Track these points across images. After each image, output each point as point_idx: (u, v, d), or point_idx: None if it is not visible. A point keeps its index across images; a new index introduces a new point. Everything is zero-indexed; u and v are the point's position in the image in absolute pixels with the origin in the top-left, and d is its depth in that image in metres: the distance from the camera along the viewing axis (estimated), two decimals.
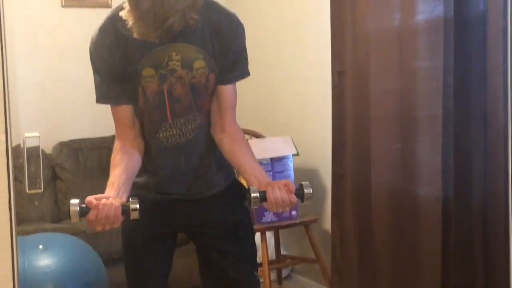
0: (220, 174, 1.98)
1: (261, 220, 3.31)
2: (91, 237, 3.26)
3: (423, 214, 2.74)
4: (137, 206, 1.67)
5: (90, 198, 1.63)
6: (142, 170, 1.88)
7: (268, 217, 3.36)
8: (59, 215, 3.77)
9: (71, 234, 3.14)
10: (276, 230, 3.64)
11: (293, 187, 1.75)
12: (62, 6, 4.07)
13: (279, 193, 1.72)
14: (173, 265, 2.06)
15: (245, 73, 1.90)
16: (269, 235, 3.66)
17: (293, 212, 3.46)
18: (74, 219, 1.64)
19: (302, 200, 1.77)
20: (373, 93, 2.98)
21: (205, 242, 2.01)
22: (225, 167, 1.98)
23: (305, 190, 1.77)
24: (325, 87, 3.34)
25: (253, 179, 1.78)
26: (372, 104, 2.99)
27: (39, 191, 1.28)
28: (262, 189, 1.73)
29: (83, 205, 1.64)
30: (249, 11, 4.00)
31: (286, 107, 3.93)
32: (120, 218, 1.65)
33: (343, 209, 3.25)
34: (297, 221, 3.47)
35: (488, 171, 2.49)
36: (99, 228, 1.64)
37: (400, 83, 2.82)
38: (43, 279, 2.64)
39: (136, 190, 1.87)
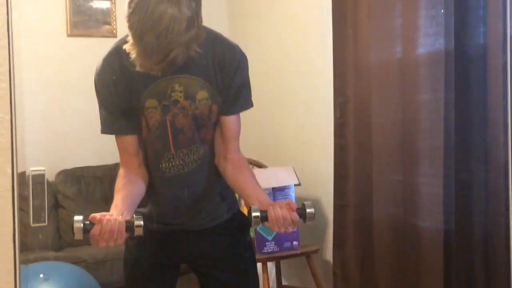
0: (224, 205, 1.97)
1: (262, 251, 3.30)
2: (92, 266, 3.26)
3: (424, 246, 2.73)
4: (141, 222, 1.66)
5: (94, 214, 1.63)
6: (145, 201, 1.88)
7: (270, 247, 3.35)
8: (61, 244, 3.76)
9: (72, 263, 3.14)
10: (277, 260, 3.63)
11: (294, 206, 1.73)
12: (68, 36, 4.11)
13: (280, 211, 1.69)
14: None
15: (248, 104, 1.90)
16: (270, 265, 3.65)
17: (295, 242, 3.44)
18: (78, 235, 1.62)
19: (304, 220, 1.73)
20: (375, 125, 2.99)
21: (207, 273, 2.00)
22: (229, 198, 1.98)
23: (307, 210, 1.73)
24: (327, 118, 3.35)
25: (255, 201, 1.76)
26: (374, 136, 3.00)
27: (44, 224, 1.28)
28: (264, 209, 1.71)
29: (87, 222, 1.63)
30: (252, 42, 4.03)
31: (288, 137, 3.94)
32: (124, 234, 1.64)
33: (345, 239, 3.24)
34: (299, 252, 3.45)
35: (489, 204, 2.48)
36: (102, 244, 1.63)
37: (402, 115, 2.83)
38: None
39: None
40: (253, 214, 1.69)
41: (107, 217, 1.64)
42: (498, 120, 2.39)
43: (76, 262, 3.20)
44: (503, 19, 2.33)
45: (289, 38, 3.89)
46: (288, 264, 3.80)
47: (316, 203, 3.59)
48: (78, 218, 1.63)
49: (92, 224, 1.63)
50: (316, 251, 3.49)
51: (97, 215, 1.63)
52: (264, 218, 1.70)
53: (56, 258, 3.29)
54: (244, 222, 1.96)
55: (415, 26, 2.73)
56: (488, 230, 2.49)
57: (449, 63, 2.57)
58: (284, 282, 3.83)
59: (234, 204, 2.00)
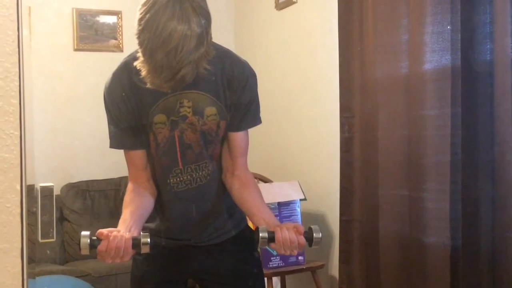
0: (231, 222, 1.96)
1: (268, 265, 3.28)
2: (97, 280, 3.25)
3: (431, 262, 2.71)
4: (148, 240, 1.65)
5: (102, 230, 1.63)
6: (153, 216, 1.88)
7: (275, 262, 3.34)
8: (66, 257, 3.76)
9: (77, 277, 3.13)
10: (282, 275, 3.61)
11: (302, 229, 1.72)
12: (75, 50, 4.13)
13: (287, 233, 1.69)
14: None
15: (256, 121, 1.90)
16: (276, 280, 3.63)
17: (300, 257, 3.43)
18: (84, 251, 1.62)
19: (310, 245, 1.73)
20: (381, 140, 2.99)
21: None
22: (236, 215, 1.97)
23: (314, 234, 1.72)
24: (333, 134, 3.36)
25: (262, 221, 1.75)
26: (380, 151, 3.00)
27: (52, 240, 1.27)
28: (271, 230, 1.70)
29: (94, 238, 1.63)
30: (260, 59, 4.04)
31: (294, 152, 3.94)
32: (131, 251, 1.64)
33: (351, 255, 3.23)
34: (304, 266, 3.44)
35: (496, 221, 2.47)
36: (109, 260, 1.62)
37: (408, 130, 2.82)
38: None
39: None
40: (261, 234, 1.68)
41: (114, 233, 1.63)
42: (506, 137, 2.38)
43: (81, 276, 3.20)
44: (510, 36, 2.33)
45: (296, 54, 3.90)
46: (293, 279, 3.78)
47: (321, 218, 3.59)
48: (85, 233, 1.63)
49: (99, 240, 1.62)
50: (321, 266, 3.48)
51: (104, 231, 1.63)
52: (271, 239, 1.69)
53: (61, 272, 3.29)
54: (252, 238, 1.95)
55: (421, 42, 2.73)
56: (496, 247, 2.47)
57: (455, 79, 2.57)
58: None
59: (241, 220, 1.99)
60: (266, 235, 1.68)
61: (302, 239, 1.71)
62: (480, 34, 2.50)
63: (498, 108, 2.42)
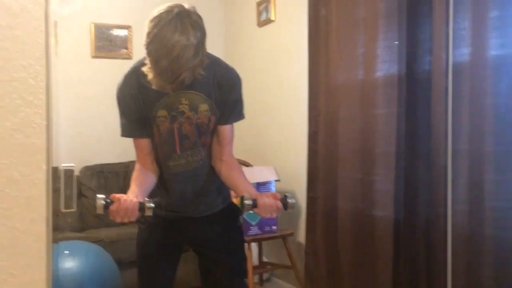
0: (220, 198, 1.96)
1: (247, 233, 3.29)
2: (108, 245, 3.22)
3: (378, 232, 2.74)
4: (152, 205, 1.66)
5: (114, 194, 1.65)
6: (156, 193, 1.87)
7: (253, 231, 3.34)
8: (83, 226, 3.72)
9: (92, 242, 3.10)
10: (259, 241, 3.62)
11: (278, 196, 1.75)
12: (92, 57, 4.09)
13: (267, 200, 1.72)
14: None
15: (241, 116, 1.90)
16: (254, 245, 3.64)
17: (274, 227, 3.44)
18: (99, 210, 1.63)
19: (286, 208, 1.75)
20: (341, 133, 3.00)
21: (205, 253, 1.99)
22: (224, 193, 1.97)
23: (288, 200, 1.75)
24: (303, 128, 3.36)
25: (246, 193, 1.76)
26: (340, 142, 3.01)
27: (73, 209, 1.27)
28: (254, 198, 1.73)
29: (108, 200, 1.63)
30: (245, 67, 4.00)
31: (271, 142, 3.94)
32: (137, 213, 1.64)
33: (315, 225, 3.24)
34: (277, 235, 3.45)
35: (431, 198, 2.49)
36: (118, 220, 1.63)
37: (362, 125, 2.83)
38: (67, 279, 2.60)
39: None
40: (246, 202, 1.70)
41: (125, 197, 1.65)
42: (440, 132, 2.40)
43: (95, 241, 3.16)
44: (445, 51, 2.35)
45: (274, 63, 3.89)
46: (268, 244, 3.80)
47: (292, 196, 3.59)
48: (100, 196, 1.65)
49: (112, 202, 1.63)
50: (291, 234, 3.49)
51: (117, 195, 1.64)
52: (254, 205, 1.71)
53: (79, 238, 3.25)
54: (236, 211, 1.95)
55: (374, 55, 2.74)
56: (430, 219, 2.50)
57: (401, 85, 2.58)
58: (264, 259, 3.83)
59: (228, 197, 1.99)
60: (250, 202, 1.71)
61: (279, 203, 1.73)
62: (421, 48, 2.51)
63: (434, 109, 2.44)
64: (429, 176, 2.50)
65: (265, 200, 1.72)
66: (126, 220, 1.64)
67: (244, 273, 2.01)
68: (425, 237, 2.53)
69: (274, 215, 1.74)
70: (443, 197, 2.39)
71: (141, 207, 1.65)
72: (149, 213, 1.66)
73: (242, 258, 2.01)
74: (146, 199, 1.70)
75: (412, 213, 2.58)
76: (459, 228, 2.33)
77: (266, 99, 3.97)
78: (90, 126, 4.06)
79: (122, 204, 1.62)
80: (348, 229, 2.96)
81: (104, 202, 1.63)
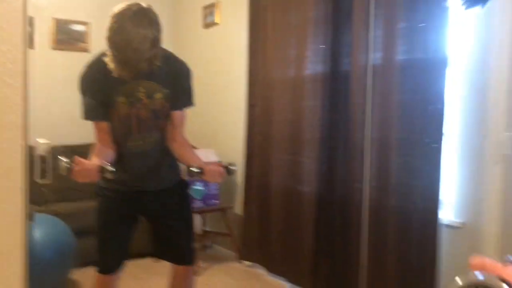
0: (171, 174, 1.95)
1: (193, 208, 3.28)
2: (66, 217, 3.11)
3: (304, 205, 2.81)
4: (112, 168, 1.61)
5: (77, 157, 1.58)
6: (116, 169, 1.83)
7: (198, 204, 3.36)
8: (43, 200, 3.56)
9: (52, 215, 2.99)
10: (203, 213, 3.63)
11: (222, 164, 1.81)
12: (53, 49, 3.90)
13: (212, 167, 1.76)
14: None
15: (190, 103, 1.90)
16: (198, 217, 3.65)
17: (215, 201, 3.46)
18: (63, 171, 1.57)
19: (229, 173, 1.79)
20: (274, 122, 3.04)
21: (159, 221, 1.98)
22: (175, 170, 1.96)
23: (231, 167, 1.80)
24: (242, 116, 3.38)
25: (195, 164, 1.77)
26: (273, 129, 3.05)
27: (49, 181, 1.22)
28: (201, 167, 1.75)
29: (71, 163, 1.57)
30: (192, 63, 3.95)
31: (215, 128, 3.94)
32: (97, 174, 1.60)
33: (251, 199, 3.29)
34: (218, 207, 3.48)
35: (347, 177, 2.58)
36: (80, 179, 1.57)
37: (292, 115, 2.89)
38: (31, 249, 2.50)
39: (110, 183, 1.83)
40: (193, 169, 1.72)
41: (87, 160, 1.61)
42: (357, 122, 2.49)
43: (55, 214, 3.05)
44: (365, 54, 2.43)
45: (219, 60, 3.85)
46: (211, 216, 3.81)
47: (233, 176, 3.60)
48: (64, 159, 1.58)
49: (73, 164, 1.57)
50: (230, 207, 3.53)
51: (79, 158, 1.59)
52: (201, 172, 1.73)
53: (39, 211, 3.11)
54: (186, 186, 1.96)
55: (304, 56, 2.80)
56: (346, 193, 2.59)
57: (325, 82, 2.65)
58: (207, 229, 3.85)
59: (179, 174, 1.98)
60: (197, 170, 1.73)
61: (223, 169, 1.77)
62: (343, 51, 2.58)
63: (352, 102, 2.52)
64: (345, 157, 2.58)
65: (211, 167, 1.75)
66: (87, 180, 1.59)
67: (192, 238, 2.03)
68: (341, 208, 2.62)
69: (219, 179, 1.78)
70: (358, 176, 2.49)
71: (101, 169, 1.61)
72: (108, 175, 1.61)
73: (191, 226, 2.02)
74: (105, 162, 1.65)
75: (331, 189, 2.67)
76: (371, 200, 2.44)
77: (210, 90, 3.96)
78: (51, 111, 3.87)
79: (84, 165, 1.58)
80: (278, 202, 3.02)
81: (67, 165, 1.57)
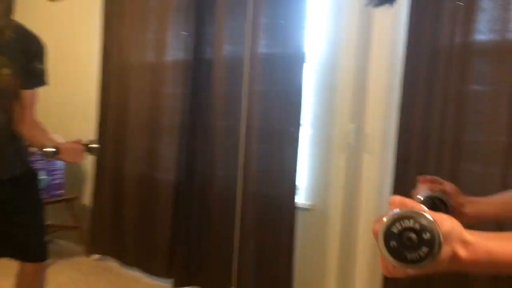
0: (18, 162, 1.70)
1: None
2: None
3: (162, 193, 2.75)
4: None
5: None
6: None
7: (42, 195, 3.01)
8: None
9: None
10: (46, 204, 3.27)
11: (81, 141, 1.65)
12: None
13: (69, 144, 1.60)
14: None
15: (43, 82, 1.70)
16: None
17: (60, 191, 3.17)
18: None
19: (90, 151, 1.65)
20: (131, 108, 2.90)
21: (6, 215, 1.70)
22: (22, 156, 1.71)
23: (91, 145, 1.65)
24: (94, 102, 3.14)
25: (50, 144, 1.60)
26: (130, 115, 2.91)
27: None
28: (56, 146, 1.59)
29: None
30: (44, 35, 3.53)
31: (63, 112, 3.58)
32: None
33: (102, 188, 3.09)
34: (62, 198, 3.18)
35: (205, 166, 2.59)
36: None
37: (152, 102, 2.79)
38: None
39: None
40: (47, 149, 1.55)
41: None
42: (218, 108, 2.51)
43: None
44: (226, 44, 2.47)
45: (68, 37, 3.50)
46: (53, 208, 3.46)
47: (80, 164, 3.34)
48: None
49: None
50: (76, 198, 3.27)
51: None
52: (57, 152, 1.57)
53: None
54: (35, 176, 1.74)
55: (164, 42, 2.72)
56: (204, 181, 2.60)
57: (187, 69, 2.61)
58: (49, 222, 3.48)
59: (27, 162, 1.73)
60: (52, 149, 1.57)
61: (82, 147, 1.62)
62: (205, 41, 2.58)
63: (213, 90, 2.54)
64: (205, 144, 2.58)
65: (67, 145, 1.59)
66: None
67: (44, 232, 1.80)
68: (200, 196, 2.62)
69: (79, 159, 1.62)
70: (216, 165, 2.52)
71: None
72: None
73: (42, 219, 1.79)
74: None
75: (190, 177, 2.65)
76: (230, 188, 2.48)
77: (60, 70, 3.56)
78: None
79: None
80: (133, 191, 2.90)
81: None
